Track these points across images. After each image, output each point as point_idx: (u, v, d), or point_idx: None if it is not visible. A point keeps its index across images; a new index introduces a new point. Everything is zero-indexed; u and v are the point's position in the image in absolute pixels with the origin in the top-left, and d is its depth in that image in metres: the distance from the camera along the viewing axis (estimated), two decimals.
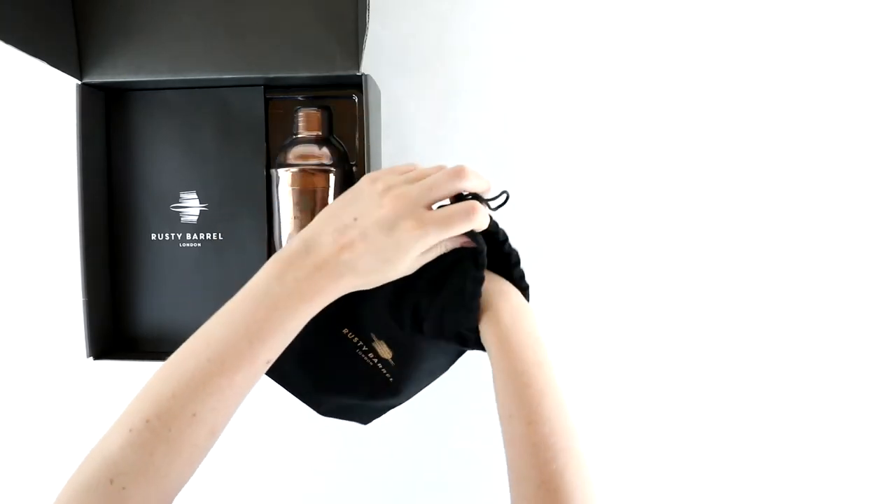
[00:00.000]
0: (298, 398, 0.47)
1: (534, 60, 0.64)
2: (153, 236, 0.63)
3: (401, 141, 0.65)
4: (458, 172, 0.39)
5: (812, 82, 0.63)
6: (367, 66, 0.56)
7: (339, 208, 0.40)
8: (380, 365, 0.45)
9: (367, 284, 0.39)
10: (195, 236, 0.62)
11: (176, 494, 0.37)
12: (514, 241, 0.64)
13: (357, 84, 0.57)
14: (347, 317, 0.44)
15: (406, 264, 0.39)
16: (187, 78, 0.57)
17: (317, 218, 0.40)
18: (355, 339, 0.45)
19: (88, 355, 0.59)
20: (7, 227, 0.68)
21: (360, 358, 0.45)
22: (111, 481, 0.35)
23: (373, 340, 0.45)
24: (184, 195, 0.62)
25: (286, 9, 0.56)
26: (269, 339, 0.37)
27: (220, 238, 0.62)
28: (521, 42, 0.64)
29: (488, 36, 0.64)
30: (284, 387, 0.46)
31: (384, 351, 0.45)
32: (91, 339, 0.59)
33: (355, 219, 0.38)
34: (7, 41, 0.49)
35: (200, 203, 0.62)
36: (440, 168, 0.41)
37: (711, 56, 0.63)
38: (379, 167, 0.63)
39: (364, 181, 0.41)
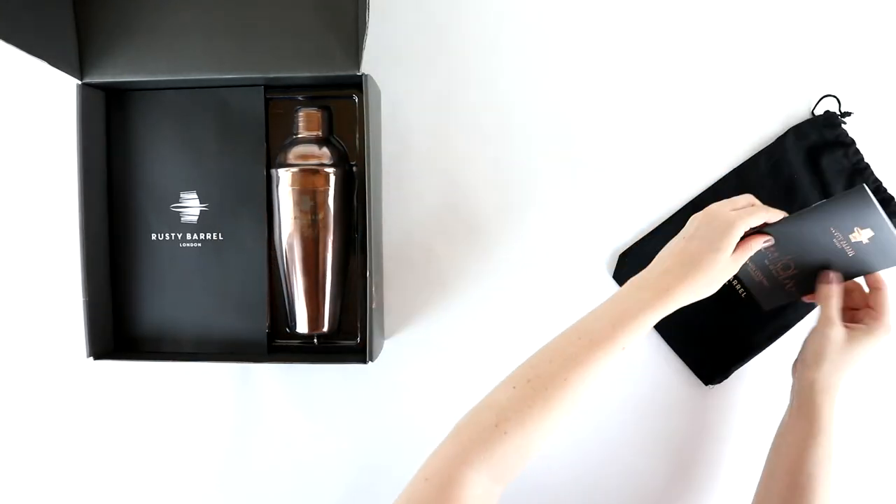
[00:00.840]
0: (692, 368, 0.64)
1: (534, 60, 0.64)
2: (153, 236, 0.63)
3: (401, 141, 0.65)
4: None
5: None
6: (367, 66, 0.56)
7: (667, 246, 0.53)
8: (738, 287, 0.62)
9: (708, 269, 0.50)
10: (195, 236, 0.62)
11: (538, 449, 0.45)
12: (516, 243, 0.65)
13: (357, 84, 0.57)
14: None
15: (732, 239, 0.50)
16: (187, 78, 0.57)
17: (654, 260, 0.53)
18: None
19: (88, 355, 0.59)
20: (7, 227, 0.68)
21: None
22: (496, 425, 0.44)
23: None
24: (184, 195, 0.62)
25: (286, 9, 0.56)
26: (628, 328, 0.47)
27: (220, 238, 0.62)
28: (522, 41, 0.64)
29: (488, 36, 0.64)
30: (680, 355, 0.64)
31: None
32: (91, 339, 0.59)
33: (683, 236, 0.52)
34: (7, 41, 0.49)
35: (200, 203, 0.62)
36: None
37: (712, 59, 0.63)
38: (379, 167, 0.63)
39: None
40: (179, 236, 0.62)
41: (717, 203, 0.54)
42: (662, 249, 0.53)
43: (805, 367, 0.56)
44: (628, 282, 0.52)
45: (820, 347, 0.55)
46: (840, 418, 0.54)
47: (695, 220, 0.53)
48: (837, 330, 0.54)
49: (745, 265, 0.56)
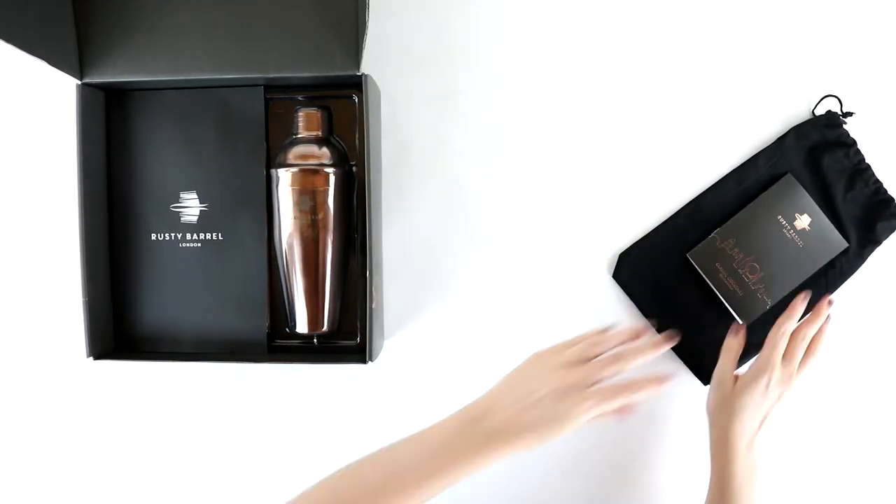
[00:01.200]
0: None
1: (534, 60, 0.64)
2: (153, 236, 0.63)
3: (401, 141, 0.65)
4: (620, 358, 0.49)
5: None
6: (366, 66, 0.56)
7: (513, 383, 0.49)
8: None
9: (538, 444, 0.46)
10: (195, 236, 0.62)
11: None
12: (516, 243, 0.65)
13: (357, 84, 0.57)
14: None
15: (574, 426, 0.46)
16: (187, 78, 0.57)
17: (492, 390, 0.49)
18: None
19: (88, 355, 0.59)
20: (7, 226, 0.68)
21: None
22: None
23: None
24: (184, 195, 0.62)
25: (286, 9, 0.56)
26: (436, 482, 0.44)
27: (220, 238, 0.62)
28: (522, 42, 0.64)
29: (488, 35, 0.64)
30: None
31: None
32: (91, 339, 0.59)
33: (530, 391, 0.47)
34: (7, 41, 0.49)
35: (200, 203, 0.62)
36: (597, 337, 0.51)
37: (712, 59, 0.63)
38: (379, 167, 0.63)
39: (533, 359, 0.50)
40: (179, 236, 0.62)
41: (566, 364, 0.49)
42: (499, 388, 0.49)
43: (708, 417, 0.58)
44: (448, 423, 0.47)
45: (713, 398, 0.57)
46: (747, 468, 0.54)
47: (532, 379, 0.48)
48: (727, 383, 0.56)
49: (718, 273, 0.61)
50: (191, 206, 0.62)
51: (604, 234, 0.65)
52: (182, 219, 0.62)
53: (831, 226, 0.61)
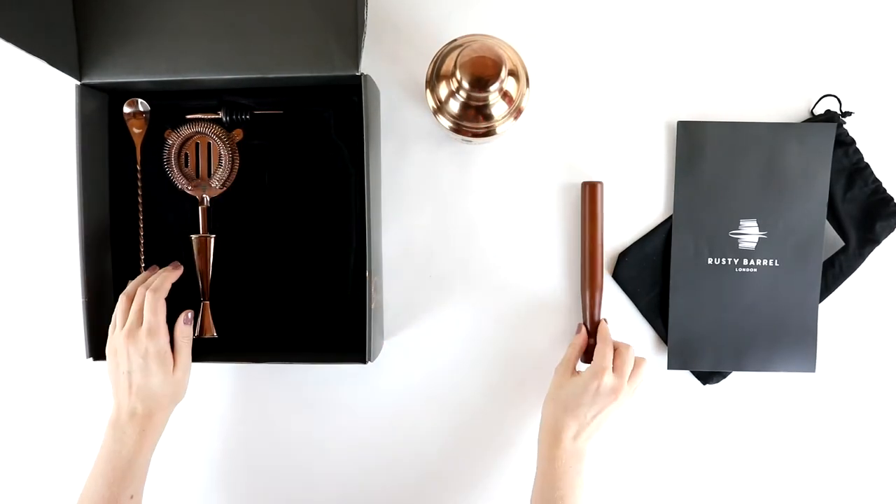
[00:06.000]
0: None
1: (533, 60, 0.64)
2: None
3: (401, 141, 0.65)
4: None
5: None
6: (366, 66, 0.56)
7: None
8: None
9: None
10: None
11: None
12: (516, 243, 0.65)
13: (356, 84, 0.57)
14: None
15: None
16: (187, 78, 0.57)
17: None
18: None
19: (88, 356, 0.59)
20: (7, 227, 0.68)
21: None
22: None
23: None
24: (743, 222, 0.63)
25: (286, 9, 0.56)
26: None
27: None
28: (521, 42, 0.64)
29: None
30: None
31: None
32: (91, 339, 0.59)
33: None
34: (7, 41, 0.49)
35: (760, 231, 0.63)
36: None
37: (711, 59, 0.64)
38: (378, 168, 0.63)
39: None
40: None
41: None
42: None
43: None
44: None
45: (551, 385, 0.60)
46: (572, 456, 0.56)
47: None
48: (566, 374, 0.60)
49: None
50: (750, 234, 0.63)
51: (603, 234, 0.65)
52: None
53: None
